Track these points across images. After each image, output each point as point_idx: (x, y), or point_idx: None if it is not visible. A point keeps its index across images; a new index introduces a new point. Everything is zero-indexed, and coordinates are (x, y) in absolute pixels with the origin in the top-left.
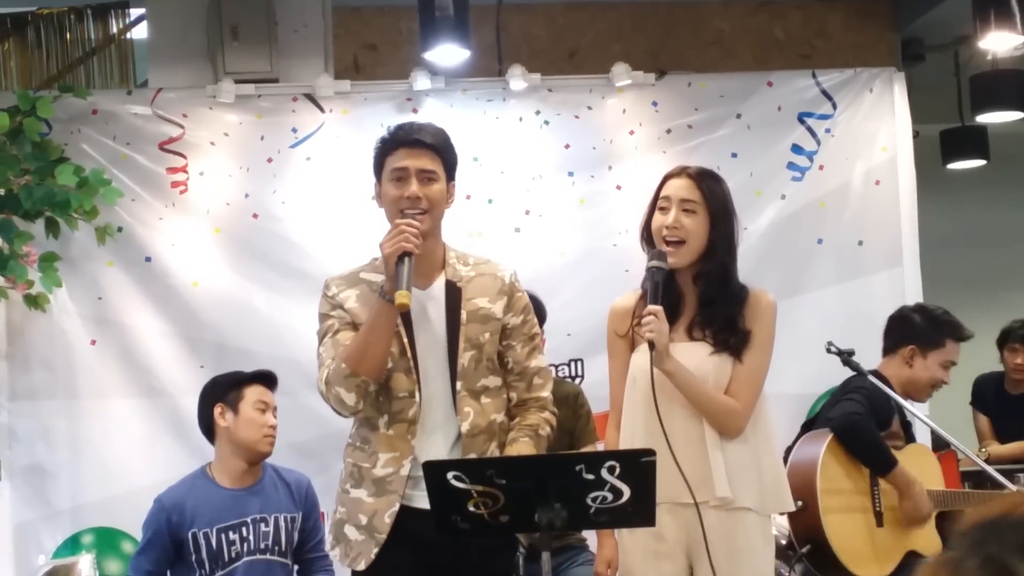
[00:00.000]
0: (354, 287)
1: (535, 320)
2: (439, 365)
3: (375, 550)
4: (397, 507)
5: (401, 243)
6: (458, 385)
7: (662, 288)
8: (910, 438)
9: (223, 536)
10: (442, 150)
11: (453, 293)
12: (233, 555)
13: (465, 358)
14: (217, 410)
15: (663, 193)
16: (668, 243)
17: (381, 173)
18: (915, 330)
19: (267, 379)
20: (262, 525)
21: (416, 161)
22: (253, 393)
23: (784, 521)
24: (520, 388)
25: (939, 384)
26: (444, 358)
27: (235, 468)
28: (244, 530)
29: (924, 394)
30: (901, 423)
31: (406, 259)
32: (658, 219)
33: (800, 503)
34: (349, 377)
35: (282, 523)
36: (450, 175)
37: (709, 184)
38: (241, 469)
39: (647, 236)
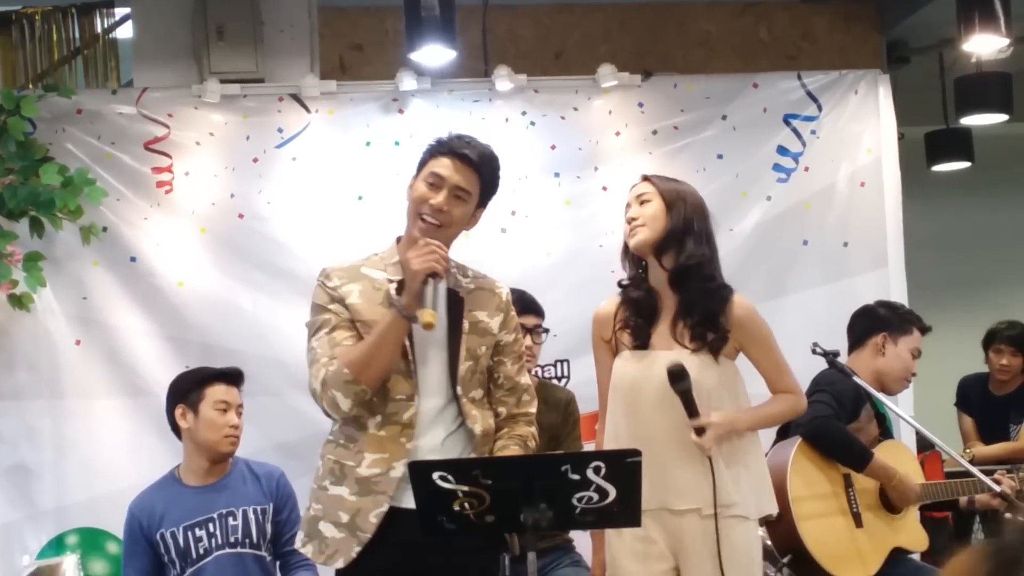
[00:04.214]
0: (356, 282)
1: (522, 339)
2: (439, 371)
3: (356, 549)
4: (385, 508)
5: (432, 264)
6: (458, 390)
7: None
8: (886, 431)
9: (189, 533)
10: (486, 174)
11: (455, 302)
12: (201, 551)
13: (463, 368)
14: (178, 411)
15: (628, 201)
16: (632, 230)
17: (421, 170)
18: (882, 319)
19: (230, 377)
20: (229, 519)
21: (456, 175)
22: (214, 393)
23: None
24: (510, 403)
25: (910, 374)
26: (444, 365)
27: (199, 467)
28: (211, 526)
29: (898, 385)
30: (876, 416)
31: (431, 280)
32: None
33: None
34: (350, 384)
35: (251, 515)
36: (483, 201)
37: (662, 179)
38: (204, 468)
39: (629, 254)
